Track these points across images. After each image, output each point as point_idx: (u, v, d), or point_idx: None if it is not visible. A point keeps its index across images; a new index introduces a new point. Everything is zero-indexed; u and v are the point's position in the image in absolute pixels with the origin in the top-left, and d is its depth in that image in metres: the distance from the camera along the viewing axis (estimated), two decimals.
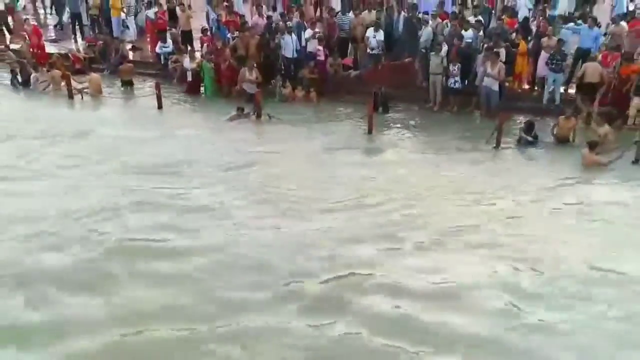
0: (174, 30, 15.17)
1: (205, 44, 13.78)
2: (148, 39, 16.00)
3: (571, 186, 8.70)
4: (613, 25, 13.15)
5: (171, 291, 5.87)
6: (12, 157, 9.40)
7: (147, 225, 7.13)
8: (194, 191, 8.15)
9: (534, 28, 13.41)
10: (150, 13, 15.37)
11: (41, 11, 20.71)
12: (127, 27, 16.72)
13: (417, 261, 6.52)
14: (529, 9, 16.27)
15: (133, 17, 16.49)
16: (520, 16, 15.61)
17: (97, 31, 16.38)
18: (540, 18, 13.77)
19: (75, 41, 16.53)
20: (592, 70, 11.11)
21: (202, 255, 6.51)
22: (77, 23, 16.72)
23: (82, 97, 12.75)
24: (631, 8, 15.98)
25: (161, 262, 6.38)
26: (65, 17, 17.55)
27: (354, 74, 13.16)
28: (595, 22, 12.90)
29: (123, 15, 16.49)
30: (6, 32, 17.01)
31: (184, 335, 5.31)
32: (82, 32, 16.78)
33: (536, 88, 12.28)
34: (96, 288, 5.91)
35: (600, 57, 11.36)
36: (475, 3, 14.43)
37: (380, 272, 6.25)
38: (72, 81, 12.74)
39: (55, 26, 18.18)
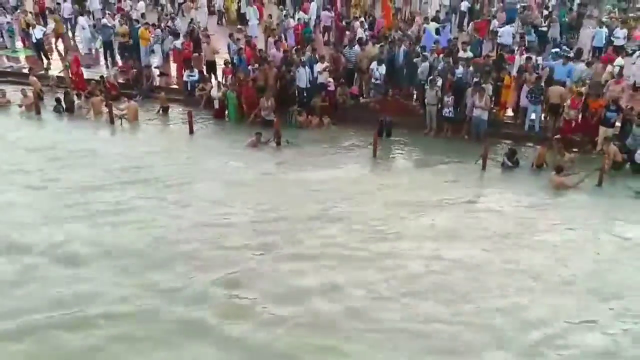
0: (197, 54, 16.99)
1: (228, 75, 15.55)
2: (173, 66, 17.81)
3: (536, 204, 10.57)
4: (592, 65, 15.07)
5: None
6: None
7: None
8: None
9: (517, 55, 15.33)
10: (178, 43, 17.14)
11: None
12: (153, 52, 18.48)
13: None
14: (513, 35, 18.19)
15: (159, 45, 18.24)
16: (505, 40, 17.56)
17: (126, 58, 18.18)
18: (523, 48, 15.68)
19: (107, 67, 18.34)
20: (554, 92, 13.15)
21: None
22: (108, 50, 18.54)
23: (122, 123, 14.53)
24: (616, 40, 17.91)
25: None
26: (97, 44, 19.28)
27: (364, 101, 14.94)
28: (578, 55, 14.93)
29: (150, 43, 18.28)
30: (44, 58, 18.82)
31: None
32: (112, 59, 18.59)
33: (519, 117, 14.12)
34: None
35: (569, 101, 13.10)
36: (465, 39, 16.22)
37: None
38: (113, 108, 14.52)
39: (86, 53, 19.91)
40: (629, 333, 7.36)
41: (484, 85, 13.18)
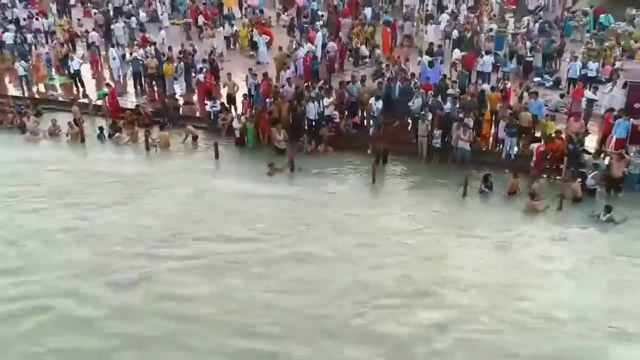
0: (216, 83, 19.27)
1: (247, 108, 17.87)
2: (195, 95, 20.16)
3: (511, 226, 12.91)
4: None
5: None
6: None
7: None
8: None
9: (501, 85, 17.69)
10: (200, 77, 19.49)
11: None
12: (176, 80, 20.81)
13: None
14: (492, 64, 20.50)
15: (182, 76, 20.59)
16: (485, 69, 19.89)
17: (154, 88, 20.52)
18: (507, 82, 18.00)
19: (137, 95, 20.68)
20: (523, 117, 15.62)
21: None
22: (137, 80, 20.89)
23: (156, 150, 16.86)
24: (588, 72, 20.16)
25: None
26: (128, 74, 21.60)
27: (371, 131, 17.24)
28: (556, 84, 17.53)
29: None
30: (80, 86, 21.14)
31: None
32: (142, 88, 20.93)
33: (497, 146, 16.42)
34: None
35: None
36: (452, 78, 18.58)
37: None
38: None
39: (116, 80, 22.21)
40: None
41: (467, 121, 15.48)
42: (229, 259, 11.60)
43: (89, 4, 33.46)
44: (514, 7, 30.63)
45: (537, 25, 27.07)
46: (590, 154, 15.21)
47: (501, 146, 16.12)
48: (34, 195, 14.13)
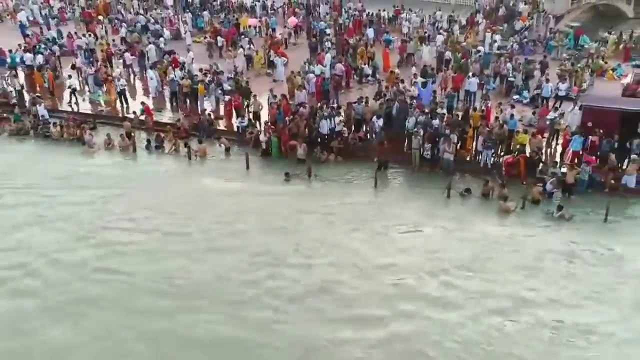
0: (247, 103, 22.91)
1: (274, 116, 21.40)
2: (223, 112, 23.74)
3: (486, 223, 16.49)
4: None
5: None
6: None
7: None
8: None
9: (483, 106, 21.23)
10: (227, 98, 23.11)
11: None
12: (206, 97, 24.40)
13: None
14: (477, 83, 24.04)
15: (213, 95, 24.20)
16: (471, 89, 23.45)
17: (186, 105, 24.14)
18: (488, 102, 21.52)
19: (173, 111, 24.25)
20: (499, 133, 19.13)
21: None
22: (174, 97, 24.48)
23: (196, 158, 20.44)
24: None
25: None
26: (167, 94, 25.21)
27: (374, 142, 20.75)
28: (532, 100, 21.35)
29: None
30: (124, 103, 24.70)
31: None
32: (177, 104, 24.51)
33: (477, 157, 19.96)
34: None
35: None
36: (437, 100, 22.24)
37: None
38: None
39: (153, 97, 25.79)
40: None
41: (452, 137, 19.02)
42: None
43: (116, 21, 37.21)
44: (501, 28, 34.24)
45: (519, 44, 30.78)
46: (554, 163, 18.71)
47: (480, 157, 19.66)
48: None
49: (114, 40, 32.26)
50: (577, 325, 12.59)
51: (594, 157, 18.34)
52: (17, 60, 27.54)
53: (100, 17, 36.88)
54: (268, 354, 11.94)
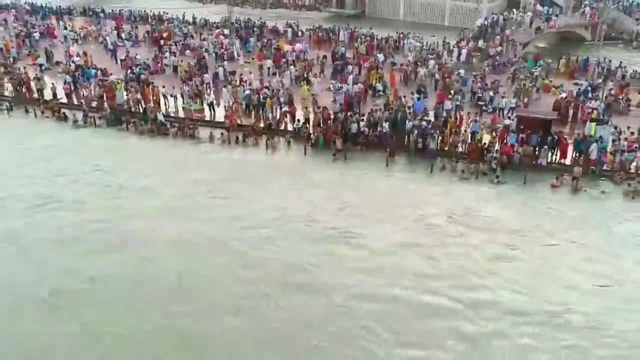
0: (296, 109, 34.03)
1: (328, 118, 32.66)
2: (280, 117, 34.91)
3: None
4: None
5: None
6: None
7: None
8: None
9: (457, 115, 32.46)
10: (286, 107, 34.39)
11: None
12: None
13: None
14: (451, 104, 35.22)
15: (276, 105, 35.44)
16: (446, 107, 34.67)
17: (255, 112, 35.40)
18: (461, 112, 32.73)
19: (246, 117, 35.42)
20: (465, 134, 30.43)
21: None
22: (247, 108, 35.68)
23: (273, 149, 31.63)
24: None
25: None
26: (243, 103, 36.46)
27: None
28: (494, 111, 32.32)
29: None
30: (212, 110, 35.84)
31: None
32: (248, 112, 35.66)
33: (452, 147, 31.17)
34: None
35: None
36: (427, 110, 33.58)
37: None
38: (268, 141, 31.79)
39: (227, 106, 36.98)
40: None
41: (435, 135, 30.26)
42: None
43: (181, 45, 48.32)
44: (478, 53, 45.38)
45: (492, 66, 42.05)
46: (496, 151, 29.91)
47: (453, 148, 30.89)
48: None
49: (188, 63, 43.39)
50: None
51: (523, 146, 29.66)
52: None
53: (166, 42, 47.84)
54: None
